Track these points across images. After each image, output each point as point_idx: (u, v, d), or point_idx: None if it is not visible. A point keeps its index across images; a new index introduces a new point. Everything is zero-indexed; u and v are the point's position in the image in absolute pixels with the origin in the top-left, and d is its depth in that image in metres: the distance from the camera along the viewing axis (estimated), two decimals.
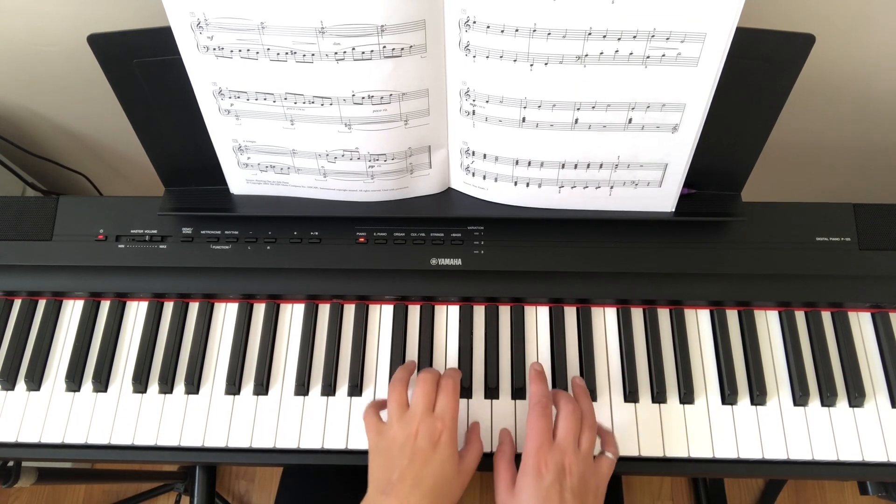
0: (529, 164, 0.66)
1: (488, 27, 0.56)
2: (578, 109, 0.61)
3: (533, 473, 0.56)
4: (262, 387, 0.69)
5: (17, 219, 0.75)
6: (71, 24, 0.76)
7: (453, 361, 0.70)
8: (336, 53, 0.57)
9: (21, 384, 0.71)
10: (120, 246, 0.73)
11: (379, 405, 0.65)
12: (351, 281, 0.72)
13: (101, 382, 0.70)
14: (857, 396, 0.68)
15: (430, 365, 0.70)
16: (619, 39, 0.56)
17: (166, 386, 0.70)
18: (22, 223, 0.74)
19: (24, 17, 0.76)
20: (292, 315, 0.73)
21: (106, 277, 0.73)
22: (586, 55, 0.57)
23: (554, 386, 0.69)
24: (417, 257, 0.71)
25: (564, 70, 0.58)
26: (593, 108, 0.61)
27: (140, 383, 0.70)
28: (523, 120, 0.62)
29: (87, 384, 0.71)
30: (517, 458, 0.61)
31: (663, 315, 0.72)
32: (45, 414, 0.69)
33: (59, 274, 0.73)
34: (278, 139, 0.66)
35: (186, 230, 0.73)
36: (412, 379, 0.66)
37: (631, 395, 0.68)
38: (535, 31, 0.55)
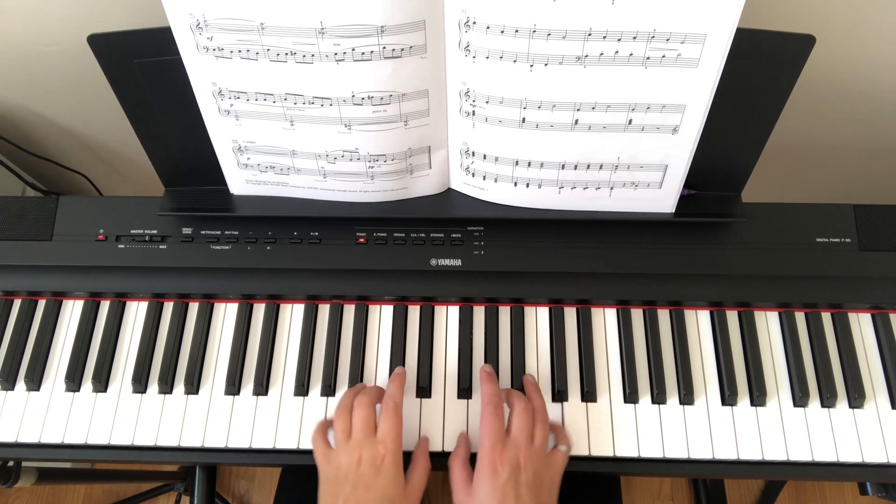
0: (529, 164, 0.66)
1: (488, 28, 0.56)
2: (578, 110, 0.61)
3: (488, 471, 0.57)
4: (261, 387, 0.69)
5: (17, 219, 0.75)
6: (71, 24, 0.76)
7: (453, 362, 0.70)
8: (336, 54, 0.57)
9: (21, 384, 0.71)
10: (120, 246, 0.73)
11: (326, 426, 0.65)
12: (351, 281, 0.72)
13: (101, 382, 0.70)
14: (856, 397, 0.68)
15: (430, 366, 0.70)
16: (619, 40, 0.56)
17: (166, 386, 0.70)
18: (22, 223, 0.74)
19: (24, 17, 0.76)
20: (292, 315, 0.73)
21: (106, 277, 0.73)
22: (586, 56, 0.57)
23: (555, 388, 0.69)
24: (417, 258, 0.71)
25: (564, 71, 0.58)
26: (593, 108, 0.61)
27: (140, 383, 0.70)
28: (523, 121, 0.62)
29: (87, 384, 0.71)
30: (472, 458, 0.62)
31: (663, 316, 0.72)
32: (45, 414, 0.69)
33: (59, 274, 0.73)
34: (278, 140, 0.66)
35: (186, 230, 0.73)
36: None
37: (631, 396, 0.68)
38: (535, 31, 0.55)
